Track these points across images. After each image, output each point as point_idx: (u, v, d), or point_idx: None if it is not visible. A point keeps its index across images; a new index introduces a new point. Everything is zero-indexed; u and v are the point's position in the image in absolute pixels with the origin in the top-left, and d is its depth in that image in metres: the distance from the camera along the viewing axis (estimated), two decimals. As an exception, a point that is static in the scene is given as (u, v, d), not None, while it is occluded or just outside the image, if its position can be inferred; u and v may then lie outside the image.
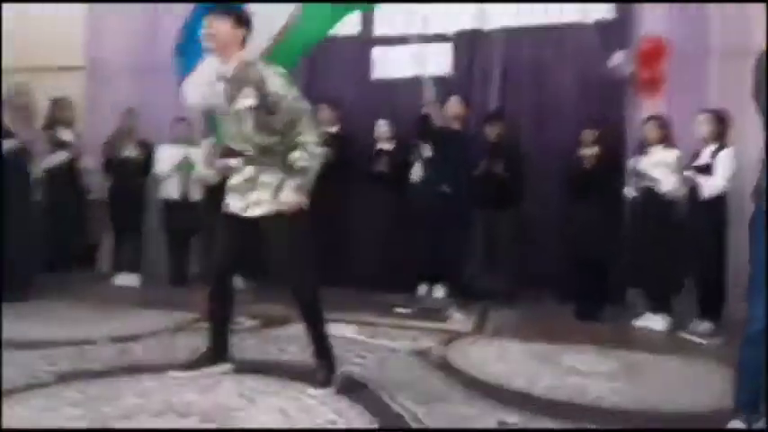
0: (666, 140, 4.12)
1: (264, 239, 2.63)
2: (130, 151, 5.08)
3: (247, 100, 2.54)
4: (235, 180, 2.68)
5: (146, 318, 3.82)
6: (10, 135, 4.14)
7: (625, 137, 4.80)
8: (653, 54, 4.50)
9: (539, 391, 2.72)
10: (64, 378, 2.57)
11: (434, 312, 4.33)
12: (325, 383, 2.56)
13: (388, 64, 5.50)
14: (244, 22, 2.63)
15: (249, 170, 2.63)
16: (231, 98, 2.58)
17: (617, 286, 4.43)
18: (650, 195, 4.06)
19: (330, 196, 5.04)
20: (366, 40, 5.56)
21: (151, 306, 4.13)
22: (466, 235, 4.76)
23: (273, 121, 2.56)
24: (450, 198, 4.57)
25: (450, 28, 5.37)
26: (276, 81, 2.56)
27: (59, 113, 4.76)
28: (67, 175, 4.74)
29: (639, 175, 4.15)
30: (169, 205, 5.09)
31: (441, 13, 5.36)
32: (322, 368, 2.61)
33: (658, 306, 4.08)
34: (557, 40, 5.15)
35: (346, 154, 5.10)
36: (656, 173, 4.04)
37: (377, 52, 5.53)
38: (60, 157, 4.64)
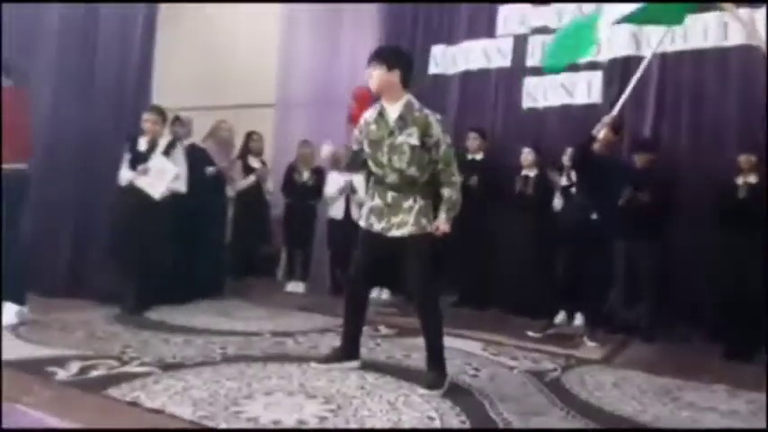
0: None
1: (403, 257, 3.05)
2: (305, 177, 5.88)
3: (411, 139, 2.95)
4: (377, 203, 3.09)
5: (302, 319, 4.48)
6: (212, 163, 5.10)
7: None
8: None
9: (643, 419, 2.76)
10: (229, 359, 3.24)
11: (568, 339, 4.40)
12: (433, 386, 2.89)
13: (539, 93, 5.65)
14: (398, 64, 3.00)
15: (392, 195, 3.04)
16: (390, 133, 3.00)
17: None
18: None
19: (475, 220, 5.41)
20: (518, 71, 5.77)
21: (310, 310, 4.79)
22: (608, 264, 4.72)
23: (424, 157, 2.98)
24: (595, 226, 4.57)
25: (604, 56, 5.38)
26: (438, 127, 2.97)
27: (251, 144, 5.69)
28: (254, 196, 5.63)
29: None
30: (333, 224, 5.78)
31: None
32: (433, 372, 2.95)
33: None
34: (717, 64, 4.91)
35: (491, 180, 5.39)
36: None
37: (528, 82, 5.72)
38: (249, 180, 5.55)
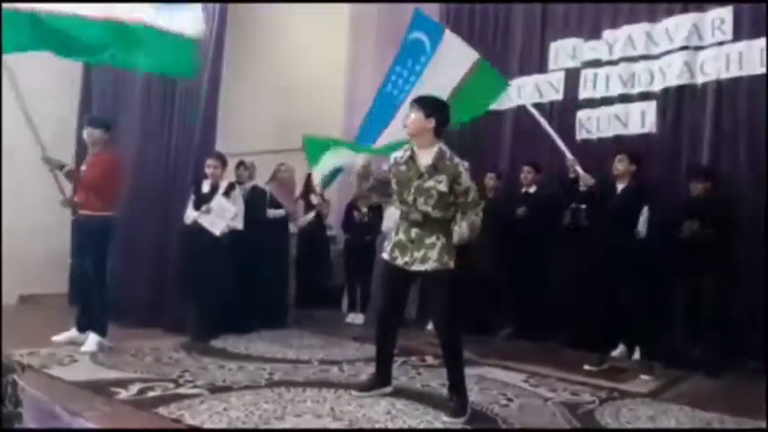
0: None
1: (426, 290, 3.23)
2: (363, 212, 6.15)
3: (441, 185, 3.14)
4: (401, 238, 3.27)
5: (353, 348, 4.69)
6: (274, 203, 5.49)
7: None
8: None
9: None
10: (272, 384, 3.50)
11: (622, 372, 4.31)
12: (456, 414, 3.00)
13: (593, 125, 5.66)
14: (435, 113, 3.21)
15: (415, 232, 3.23)
16: (420, 176, 3.19)
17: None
18: None
19: (530, 251, 5.45)
20: (570, 103, 5.81)
21: (363, 340, 4.98)
22: (662, 297, 4.61)
23: (449, 200, 3.17)
24: (630, 257, 4.49)
25: (657, 86, 5.33)
26: (466, 175, 3.16)
27: (312, 184, 6.05)
28: (316, 232, 5.97)
29: None
30: (392, 257, 5.98)
31: (645, 71, 5.37)
32: (454, 401, 3.07)
33: None
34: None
35: (544, 211, 5.42)
36: None
37: (581, 114, 5.74)
38: (309, 216, 5.90)
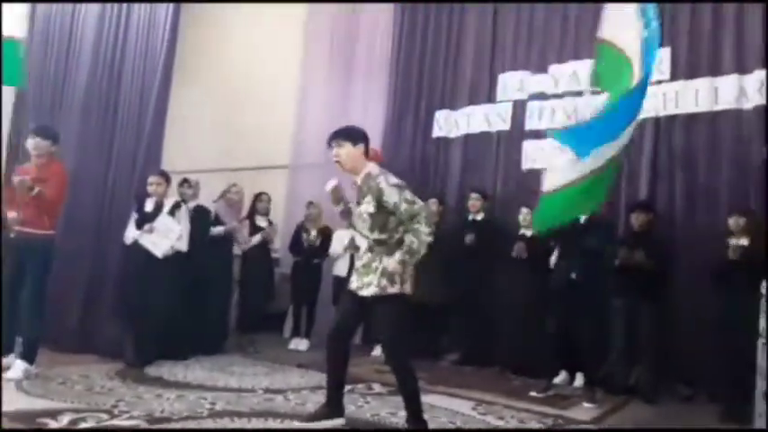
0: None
1: (371, 315, 3.17)
2: (312, 236, 6.06)
3: (369, 207, 3.14)
4: (357, 263, 3.28)
5: (298, 376, 4.56)
6: (219, 223, 5.33)
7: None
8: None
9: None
10: (215, 415, 3.34)
11: (566, 399, 4.37)
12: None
13: (538, 155, 5.80)
14: (361, 138, 3.24)
15: (367, 256, 3.20)
16: (358, 203, 3.24)
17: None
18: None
19: (476, 278, 5.50)
20: (517, 134, 5.96)
21: (308, 367, 4.85)
22: (600, 324, 4.72)
23: (388, 221, 3.13)
24: (582, 286, 4.60)
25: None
26: (390, 191, 3.09)
27: (258, 205, 5.91)
28: (260, 255, 5.81)
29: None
30: (339, 281, 5.90)
31: (588, 106, 5.57)
32: (414, 429, 3.00)
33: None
34: (710, 128, 5.01)
35: (490, 239, 5.49)
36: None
37: (527, 144, 5.89)
38: (255, 239, 5.75)
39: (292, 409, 3.56)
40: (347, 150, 3.20)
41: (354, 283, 3.22)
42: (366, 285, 3.14)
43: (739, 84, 4.88)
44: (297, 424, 3.24)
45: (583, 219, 4.55)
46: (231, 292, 5.66)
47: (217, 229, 5.31)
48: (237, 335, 5.66)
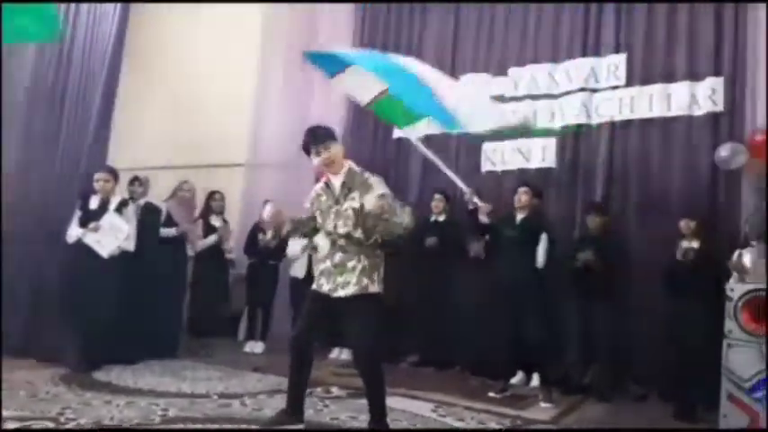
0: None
1: (345, 316, 3.08)
2: (269, 237, 5.91)
3: (354, 202, 3.05)
4: (327, 265, 3.12)
5: (254, 380, 4.43)
6: (170, 222, 5.14)
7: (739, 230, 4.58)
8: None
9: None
10: (168, 421, 3.20)
11: (523, 400, 4.39)
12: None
13: (497, 157, 5.84)
14: (336, 135, 3.20)
15: (339, 257, 3.09)
16: (336, 201, 3.11)
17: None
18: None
19: (436, 279, 5.49)
20: (477, 136, 5.97)
21: (264, 371, 4.73)
22: (555, 325, 4.78)
23: (368, 218, 3.04)
24: (530, 286, 4.62)
25: (557, 123, 5.60)
26: (380, 185, 3.06)
27: (212, 204, 5.75)
28: (214, 255, 5.64)
29: (743, 270, 3.97)
30: (295, 283, 5.79)
31: (546, 109, 5.65)
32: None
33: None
34: (663, 133, 5.14)
35: (452, 240, 5.49)
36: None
37: (487, 146, 5.91)
38: (210, 240, 5.58)
39: (249, 415, 3.45)
40: (337, 150, 3.15)
41: (326, 286, 3.10)
42: (342, 285, 3.04)
43: (691, 91, 5.03)
44: (253, 428, 3.13)
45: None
46: (184, 294, 5.48)
47: (169, 231, 5.13)
48: (189, 338, 5.48)
